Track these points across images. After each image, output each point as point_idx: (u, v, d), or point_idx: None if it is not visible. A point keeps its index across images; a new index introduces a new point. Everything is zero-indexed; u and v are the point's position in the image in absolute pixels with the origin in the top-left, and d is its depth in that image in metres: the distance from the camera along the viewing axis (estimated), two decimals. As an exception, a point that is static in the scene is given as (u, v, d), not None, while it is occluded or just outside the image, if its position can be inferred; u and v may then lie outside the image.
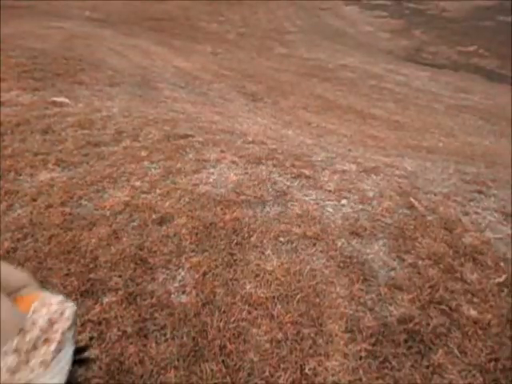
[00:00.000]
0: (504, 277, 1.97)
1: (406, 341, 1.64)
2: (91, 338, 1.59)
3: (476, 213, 2.51)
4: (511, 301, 1.86)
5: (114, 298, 1.74)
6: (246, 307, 1.72)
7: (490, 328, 1.71)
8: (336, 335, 1.64)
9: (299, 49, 12.75)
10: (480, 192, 2.82)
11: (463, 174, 3.30)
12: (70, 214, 2.24)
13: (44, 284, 1.81)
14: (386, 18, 16.43)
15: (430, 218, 2.36)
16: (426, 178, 3.04)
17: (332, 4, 17.85)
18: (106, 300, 1.74)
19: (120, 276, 1.84)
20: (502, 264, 2.05)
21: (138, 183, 2.50)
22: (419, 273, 1.95)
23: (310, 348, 1.59)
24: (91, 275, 1.85)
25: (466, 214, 2.48)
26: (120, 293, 1.77)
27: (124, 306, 1.72)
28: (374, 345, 1.61)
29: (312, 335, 1.63)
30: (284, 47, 12.91)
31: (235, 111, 5.37)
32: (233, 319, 1.67)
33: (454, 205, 2.57)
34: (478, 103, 8.88)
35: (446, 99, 8.98)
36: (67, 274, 1.85)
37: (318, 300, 1.77)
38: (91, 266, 1.89)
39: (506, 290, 1.91)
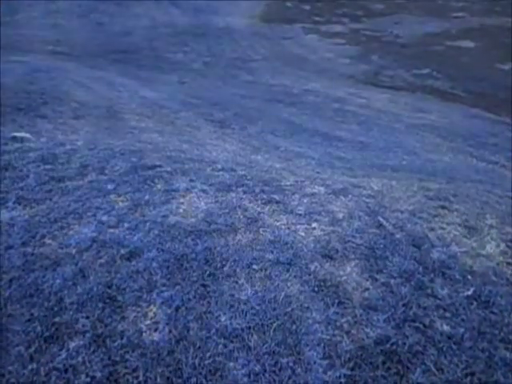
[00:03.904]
0: (472, 289, 2.03)
1: (384, 362, 1.63)
2: (57, 388, 1.49)
3: (441, 228, 2.59)
4: (481, 313, 1.90)
5: (81, 342, 1.65)
6: (222, 340, 1.67)
7: (463, 342, 1.73)
8: (314, 362, 1.61)
9: (264, 76, 13.11)
10: (443, 207, 2.93)
11: (427, 190, 3.43)
12: (32, 254, 2.13)
13: (4, 333, 1.70)
14: (344, 45, 17.26)
15: (398, 235, 2.42)
16: (392, 196, 3.13)
17: (293, 33, 18.61)
18: (72, 345, 1.64)
19: (87, 317, 1.75)
20: (469, 277, 2.12)
21: (104, 218, 2.42)
22: (392, 291, 1.98)
23: (289, 378, 1.55)
24: (56, 319, 1.74)
25: (432, 229, 2.56)
26: (88, 335, 1.67)
27: (92, 349, 1.63)
28: (352, 369, 1.59)
29: (290, 364, 1.60)
30: (249, 74, 13.24)
31: (203, 139, 5.39)
32: (208, 354, 1.61)
33: (420, 221, 2.65)
34: (435, 122, 9.36)
35: (406, 119, 9.41)
36: (29, 320, 1.74)
37: (294, 327, 1.74)
38: (56, 308, 1.79)
39: (475, 302, 1.96)
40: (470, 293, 2.01)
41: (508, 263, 2.29)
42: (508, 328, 1.82)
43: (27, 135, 3.88)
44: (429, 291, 1.99)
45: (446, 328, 1.79)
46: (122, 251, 2.13)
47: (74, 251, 2.14)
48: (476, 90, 12.38)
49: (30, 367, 1.55)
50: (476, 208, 3.03)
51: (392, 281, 2.04)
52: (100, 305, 1.81)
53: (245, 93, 10.65)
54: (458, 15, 19.97)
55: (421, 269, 2.14)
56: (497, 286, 2.08)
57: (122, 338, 1.66)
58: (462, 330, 1.79)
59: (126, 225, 2.36)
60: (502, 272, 2.20)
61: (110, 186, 2.81)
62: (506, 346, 1.73)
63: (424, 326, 1.80)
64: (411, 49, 16.35)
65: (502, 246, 2.44)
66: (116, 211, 2.50)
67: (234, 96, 10.02)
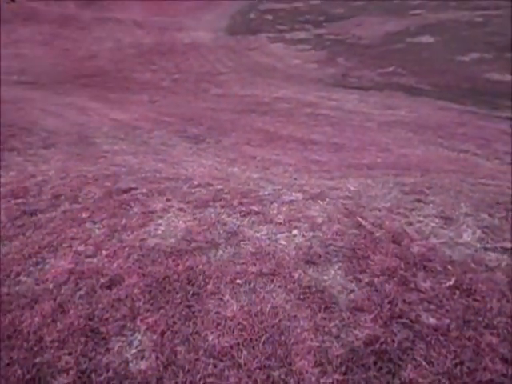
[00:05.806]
0: (453, 279, 2.06)
1: (375, 363, 1.63)
2: (43, 433, 1.42)
3: (419, 221, 2.64)
4: (464, 301, 1.93)
5: (65, 380, 1.59)
6: (211, 360, 1.64)
7: (449, 333, 1.75)
8: (306, 371, 1.60)
9: (234, 87, 13.20)
10: (419, 201, 2.99)
11: (402, 185, 3.49)
12: (7, 294, 2.05)
13: (-18, 380, 1.62)
14: (310, 50, 17.60)
15: (378, 234, 2.45)
16: (369, 195, 3.17)
17: (258, 44, 18.86)
18: (56, 384, 1.58)
19: (70, 354, 1.69)
20: (449, 267, 2.15)
21: (81, 248, 2.37)
22: (377, 290, 1.99)
23: (283, 391, 1.53)
24: (37, 359, 1.68)
25: (410, 224, 2.60)
26: (72, 372, 1.62)
27: (78, 386, 1.57)
28: (345, 374, 1.59)
29: (282, 377, 1.58)
30: (219, 88, 13.30)
31: (179, 156, 5.35)
32: (198, 377, 1.58)
33: (398, 217, 2.69)
34: (404, 117, 9.60)
35: (377, 117, 9.62)
36: (9, 364, 1.67)
37: (283, 338, 1.73)
38: (36, 348, 1.72)
39: (457, 291, 1.99)
40: (451, 283, 2.04)
41: (485, 249, 2.34)
42: (491, 313, 1.86)
43: (-5, 170, 3.77)
44: (412, 285, 2.02)
45: (432, 320, 1.81)
46: (102, 280, 2.08)
47: (51, 286, 2.07)
48: (440, 83, 12.78)
49: (12, 414, 1.49)
50: (450, 198, 3.10)
51: (376, 279, 2.05)
52: (82, 339, 1.75)
53: (217, 106, 10.68)
54: (416, 12, 20.69)
55: (402, 264, 2.16)
56: (477, 273, 2.12)
57: (107, 371, 1.61)
58: (447, 320, 1.81)
59: (104, 252, 2.31)
60: (481, 258, 2.24)
61: (84, 215, 2.75)
62: (491, 331, 1.76)
63: (411, 321, 1.81)
64: (375, 49, 16.80)
65: (478, 232, 2.50)
66: (93, 239, 2.45)
67: (206, 110, 10.04)
